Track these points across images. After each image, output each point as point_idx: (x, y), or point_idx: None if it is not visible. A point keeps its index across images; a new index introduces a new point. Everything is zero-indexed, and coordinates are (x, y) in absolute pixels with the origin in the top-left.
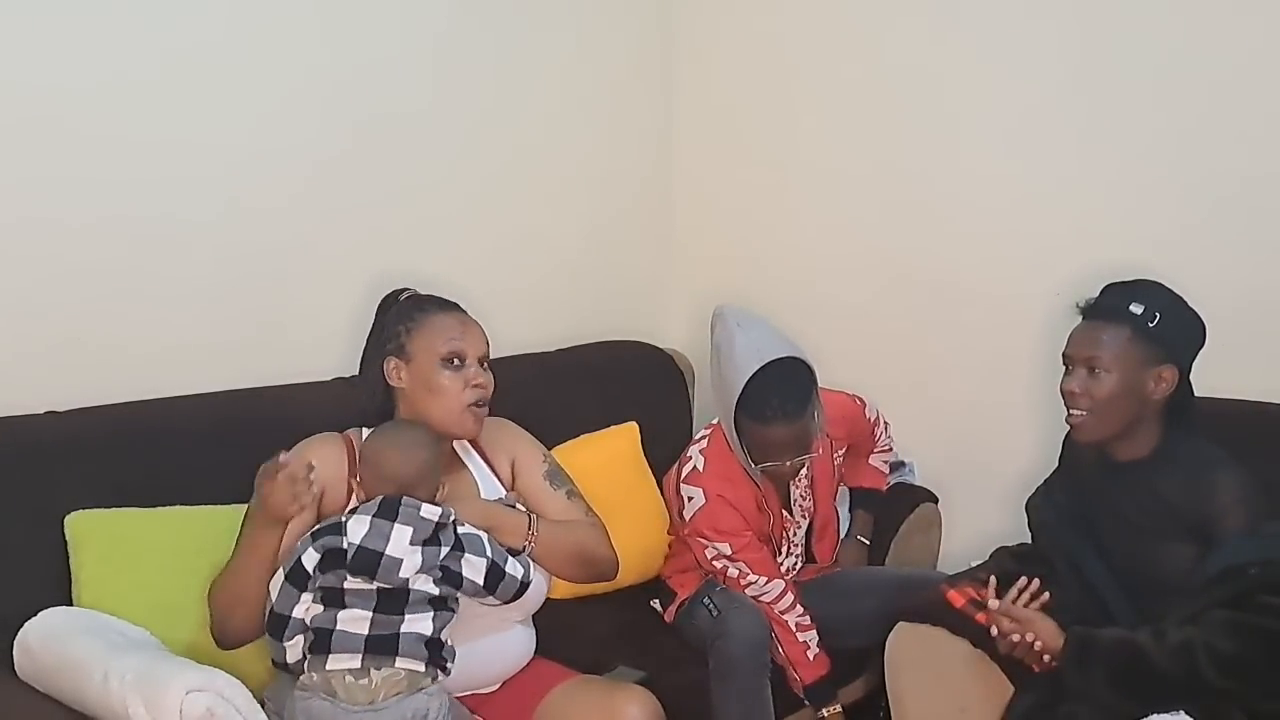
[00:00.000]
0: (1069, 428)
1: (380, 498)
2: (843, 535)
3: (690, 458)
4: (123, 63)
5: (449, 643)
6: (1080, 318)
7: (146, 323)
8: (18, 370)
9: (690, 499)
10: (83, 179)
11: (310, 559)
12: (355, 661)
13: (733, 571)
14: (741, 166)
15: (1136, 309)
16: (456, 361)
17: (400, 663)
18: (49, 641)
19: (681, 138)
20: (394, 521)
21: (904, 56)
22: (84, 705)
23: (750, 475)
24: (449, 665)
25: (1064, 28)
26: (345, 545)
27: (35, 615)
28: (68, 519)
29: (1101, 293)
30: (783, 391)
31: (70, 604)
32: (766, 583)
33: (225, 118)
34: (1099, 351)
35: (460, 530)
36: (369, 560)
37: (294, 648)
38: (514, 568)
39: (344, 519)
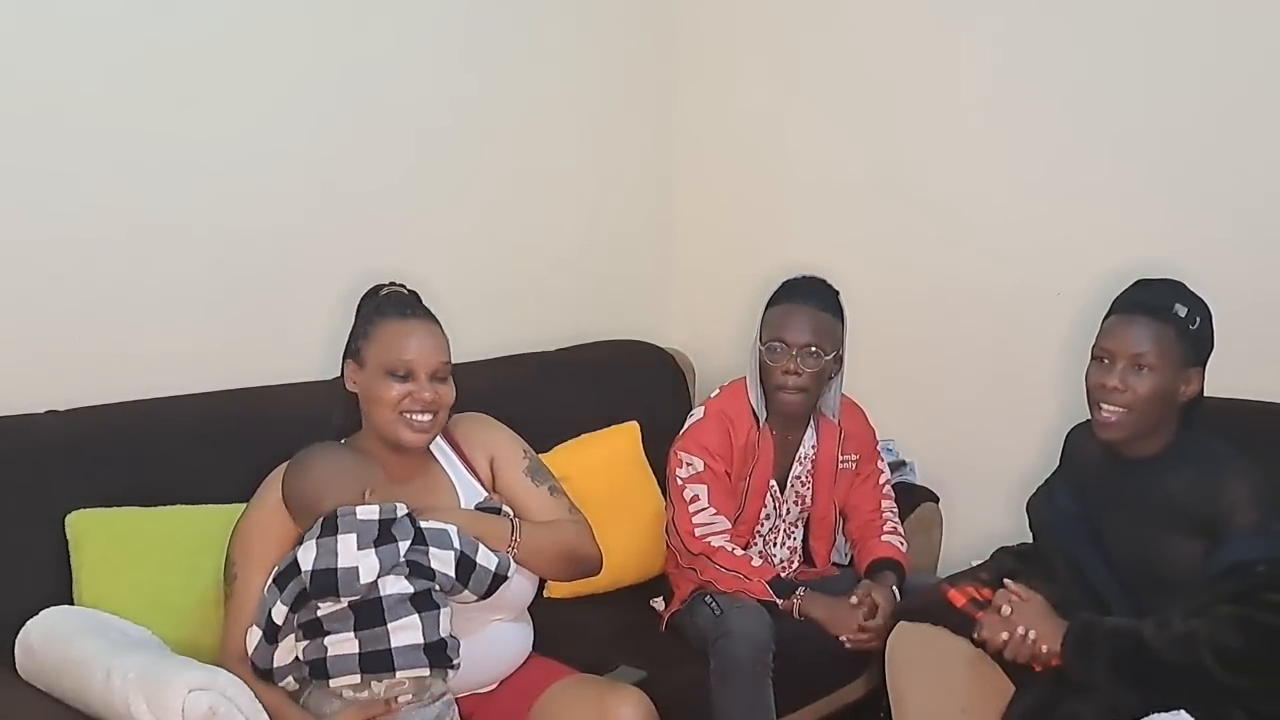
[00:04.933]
0: (1092, 422)
1: (321, 519)
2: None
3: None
4: (122, 65)
5: (451, 638)
6: (1111, 311)
7: (146, 323)
8: (18, 370)
9: (692, 416)
10: (82, 180)
11: (279, 612)
12: (355, 679)
13: (689, 493)
14: (742, 166)
15: (1181, 310)
16: (402, 373)
17: (401, 674)
18: (51, 640)
19: (682, 137)
20: (336, 534)
21: (906, 57)
22: (86, 704)
23: (755, 415)
24: (456, 661)
25: (1068, 29)
26: (303, 577)
27: (36, 614)
28: (68, 518)
29: (1139, 287)
30: (810, 285)
31: (71, 603)
32: (715, 513)
33: (226, 118)
34: (1148, 349)
35: (422, 524)
36: (326, 580)
37: (288, 684)
38: (485, 559)
39: (296, 554)
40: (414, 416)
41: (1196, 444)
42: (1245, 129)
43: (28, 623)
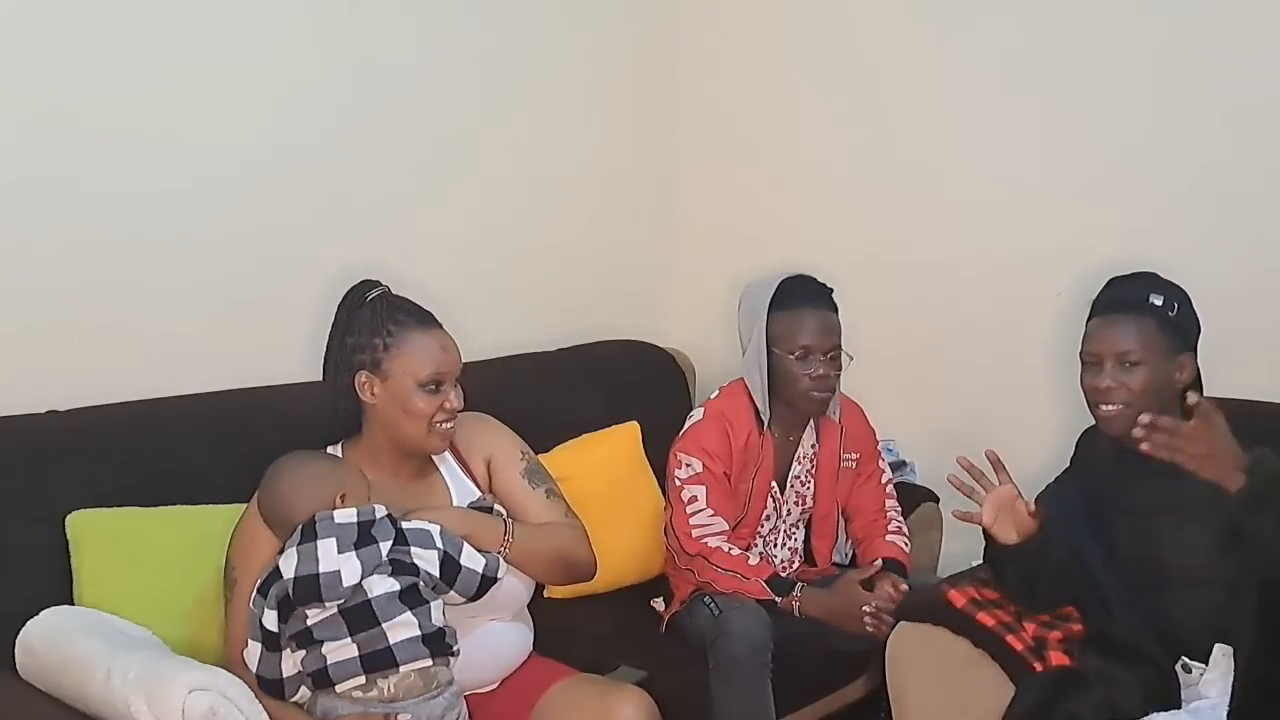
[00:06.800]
0: (1095, 423)
1: (299, 527)
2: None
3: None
4: (124, 66)
5: (447, 626)
6: (1091, 314)
7: (146, 322)
8: (18, 370)
9: (692, 417)
10: (82, 179)
11: (270, 619)
12: (360, 680)
13: (686, 494)
14: (743, 166)
15: (1157, 300)
16: (434, 386)
17: (405, 668)
18: (51, 640)
19: (683, 137)
20: (315, 540)
21: (906, 56)
22: (86, 704)
23: (758, 416)
24: (456, 648)
25: (1066, 26)
26: (286, 585)
27: (37, 614)
28: (68, 519)
29: (1111, 287)
30: (811, 286)
31: (71, 603)
32: (712, 514)
33: (227, 119)
34: (1130, 345)
35: (404, 525)
36: (309, 586)
37: (301, 695)
38: (471, 560)
39: (278, 563)
40: (443, 425)
41: None
42: (1248, 129)
43: (28, 623)
